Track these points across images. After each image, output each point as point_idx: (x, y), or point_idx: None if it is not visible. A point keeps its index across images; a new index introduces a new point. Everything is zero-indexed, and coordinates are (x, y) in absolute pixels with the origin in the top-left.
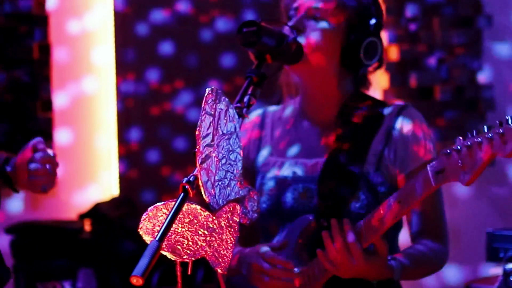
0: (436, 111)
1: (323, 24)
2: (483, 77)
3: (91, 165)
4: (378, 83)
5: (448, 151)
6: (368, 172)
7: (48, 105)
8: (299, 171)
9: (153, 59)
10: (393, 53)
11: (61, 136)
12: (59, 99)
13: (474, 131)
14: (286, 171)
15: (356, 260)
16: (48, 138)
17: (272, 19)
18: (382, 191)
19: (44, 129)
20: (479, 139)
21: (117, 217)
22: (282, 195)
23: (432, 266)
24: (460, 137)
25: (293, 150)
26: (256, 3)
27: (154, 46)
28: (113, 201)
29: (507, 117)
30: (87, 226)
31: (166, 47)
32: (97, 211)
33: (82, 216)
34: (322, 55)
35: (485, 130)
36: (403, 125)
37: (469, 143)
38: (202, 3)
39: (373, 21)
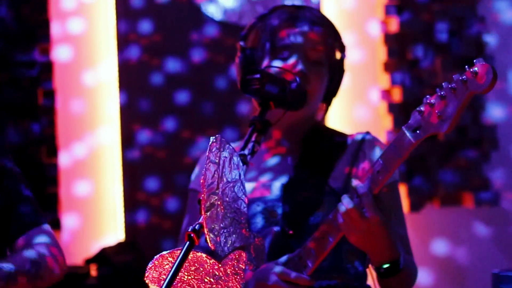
0: (440, 151)
1: (321, 69)
2: (486, 117)
3: (97, 214)
4: (381, 125)
5: (421, 108)
6: (334, 188)
7: (54, 151)
8: (267, 193)
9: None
10: (396, 94)
11: (67, 186)
12: (65, 153)
13: (443, 83)
14: (255, 193)
15: (368, 211)
16: (54, 184)
17: (275, 66)
18: None
19: (51, 175)
20: (452, 85)
21: (123, 262)
22: (251, 218)
23: (414, 277)
24: (428, 95)
25: (261, 175)
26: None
27: (170, 95)
28: (119, 245)
29: (474, 61)
30: (93, 271)
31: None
32: (103, 256)
33: (88, 261)
34: (320, 97)
35: (454, 78)
36: (368, 146)
37: (442, 93)
38: (217, 49)
39: (344, 56)
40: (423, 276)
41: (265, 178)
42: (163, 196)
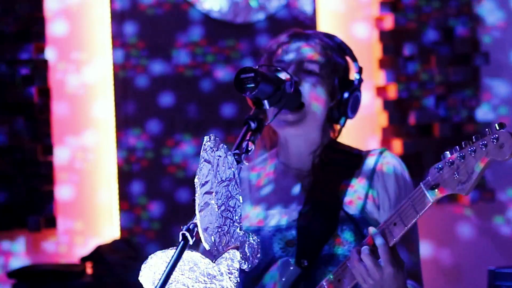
0: (436, 148)
1: (317, 80)
2: (481, 113)
3: (93, 219)
4: (377, 122)
5: (440, 165)
6: (350, 214)
7: (49, 149)
8: (283, 221)
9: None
10: (392, 91)
11: (62, 190)
12: (60, 153)
13: (463, 142)
14: (270, 222)
15: (384, 262)
16: (50, 183)
17: (269, 65)
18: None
19: (46, 173)
20: (472, 148)
21: (119, 259)
22: (267, 245)
23: None
24: (447, 152)
25: (275, 200)
26: (254, 52)
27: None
28: (114, 243)
29: (495, 125)
30: (89, 269)
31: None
32: (99, 254)
33: (84, 259)
34: (319, 105)
35: (474, 140)
36: (384, 169)
37: (462, 154)
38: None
39: (357, 76)
40: None
41: (277, 205)
42: (152, 197)
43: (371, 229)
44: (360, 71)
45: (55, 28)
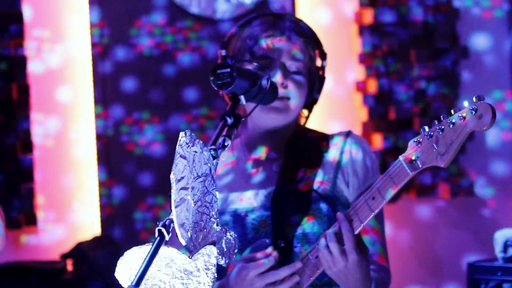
0: None
1: (301, 78)
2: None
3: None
4: (357, 117)
5: (419, 138)
6: (321, 193)
7: (28, 146)
8: (255, 203)
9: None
10: (372, 86)
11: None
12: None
13: (441, 116)
14: (243, 204)
15: (348, 249)
16: (30, 179)
17: (245, 60)
18: (340, 209)
19: (26, 170)
20: (450, 120)
21: (99, 256)
22: (240, 228)
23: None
24: (425, 126)
25: (246, 183)
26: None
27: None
28: (95, 240)
29: (473, 97)
30: (69, 266)
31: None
32: (80, 251)
33: (64, 256)
34: (300, 105)
35: (453, 113)
36: (351, 149)
37: (441, 126)
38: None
39: (324, 64)
40: (400, 266)
41: (251, 188)
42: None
43: (339, 215)
44: (324, 57)
45: (36, 20)
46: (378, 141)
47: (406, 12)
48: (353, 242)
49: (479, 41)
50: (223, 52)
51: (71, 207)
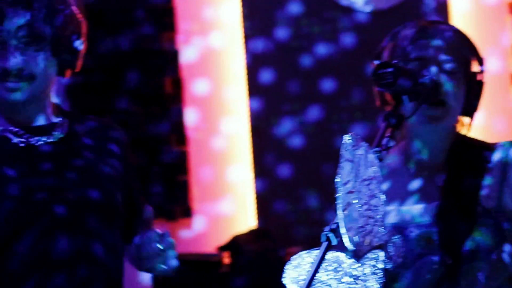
0: None
1: (456, 79)
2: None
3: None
4: None
5: None
6: (488, 208)
7: (182, 138)
8: (419, 218)
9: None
10: None
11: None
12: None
13: None
14: (404, 217)
15: None
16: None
17: (404, 59)
18: (506, 227)
19: (179, 163)
20: None
21: (256, 250)
22: (405, 243)
23: None
24: None
25: (406, 197)
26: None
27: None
28: (252, 233)
29: None
30: (226, 259)
31: None
32: (236, 244)
33: (221, 249)
34: (458, 109)
35: None
36: None
37: None
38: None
39: (482, 69)
40: None
41: (413, 202)
42: (298, 185)
43: None
44: (481, 62)
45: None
46: None
47: None
48: None
49: None
50: (376, 62)
51: (227, 199)
